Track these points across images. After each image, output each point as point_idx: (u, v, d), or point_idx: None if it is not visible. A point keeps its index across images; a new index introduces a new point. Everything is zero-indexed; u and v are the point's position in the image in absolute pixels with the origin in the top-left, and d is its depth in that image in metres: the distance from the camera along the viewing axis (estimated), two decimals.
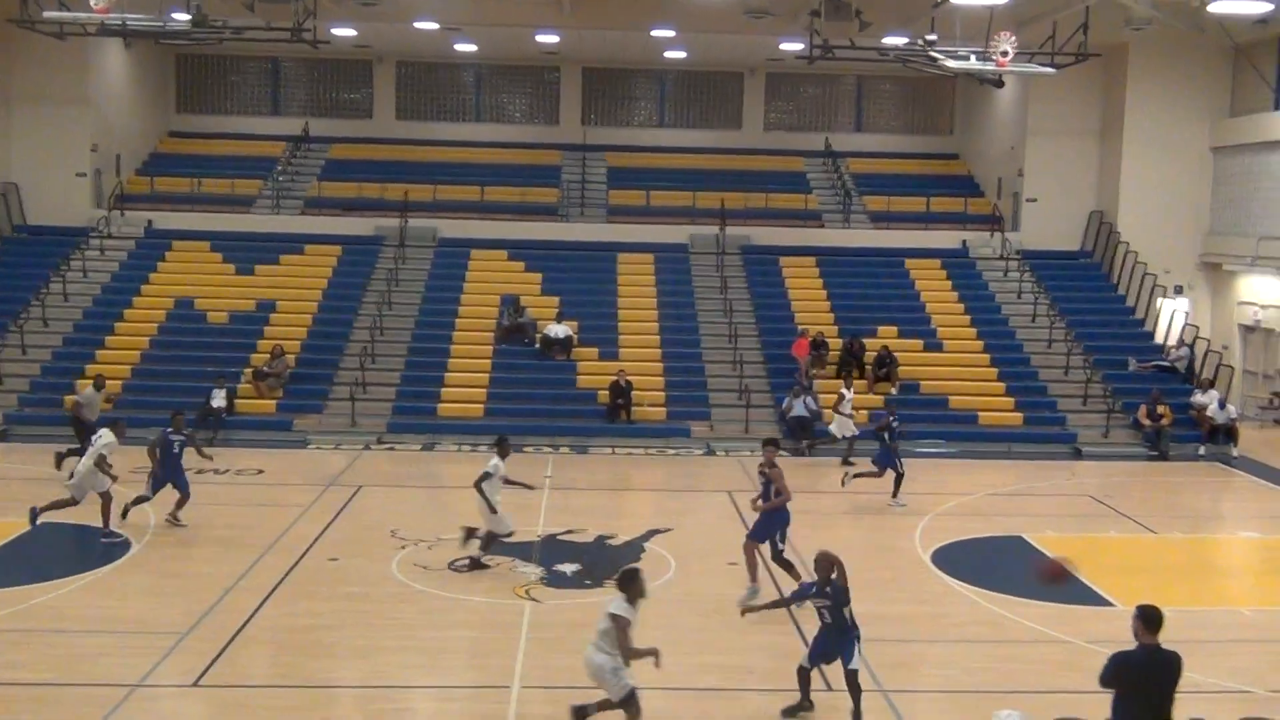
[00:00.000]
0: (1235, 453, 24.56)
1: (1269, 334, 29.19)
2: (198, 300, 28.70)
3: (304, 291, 29.34)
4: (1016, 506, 20.17)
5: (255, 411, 25.20)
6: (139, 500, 16.87)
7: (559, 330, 27.53)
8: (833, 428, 23.49)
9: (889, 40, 27.66)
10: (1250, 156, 29.67)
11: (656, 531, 17.35)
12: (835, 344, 27.40)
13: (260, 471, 21.43)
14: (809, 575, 11.90)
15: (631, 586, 9.78)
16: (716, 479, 21.80)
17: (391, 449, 23.87)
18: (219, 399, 24.30)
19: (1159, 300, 30.00)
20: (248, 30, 26.18)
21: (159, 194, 32.96)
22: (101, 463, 16.11)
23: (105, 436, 16.43)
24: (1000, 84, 28.49)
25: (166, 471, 16.85)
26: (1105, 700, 11.32)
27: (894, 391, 26.16)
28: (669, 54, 35.16)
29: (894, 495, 19.51)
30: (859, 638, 10.61)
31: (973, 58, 23.75)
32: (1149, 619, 8.40)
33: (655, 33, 30.66)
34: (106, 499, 16.23)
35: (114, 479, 16.32)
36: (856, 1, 25.00)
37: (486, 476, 15.17)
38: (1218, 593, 15.93)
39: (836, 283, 30.38)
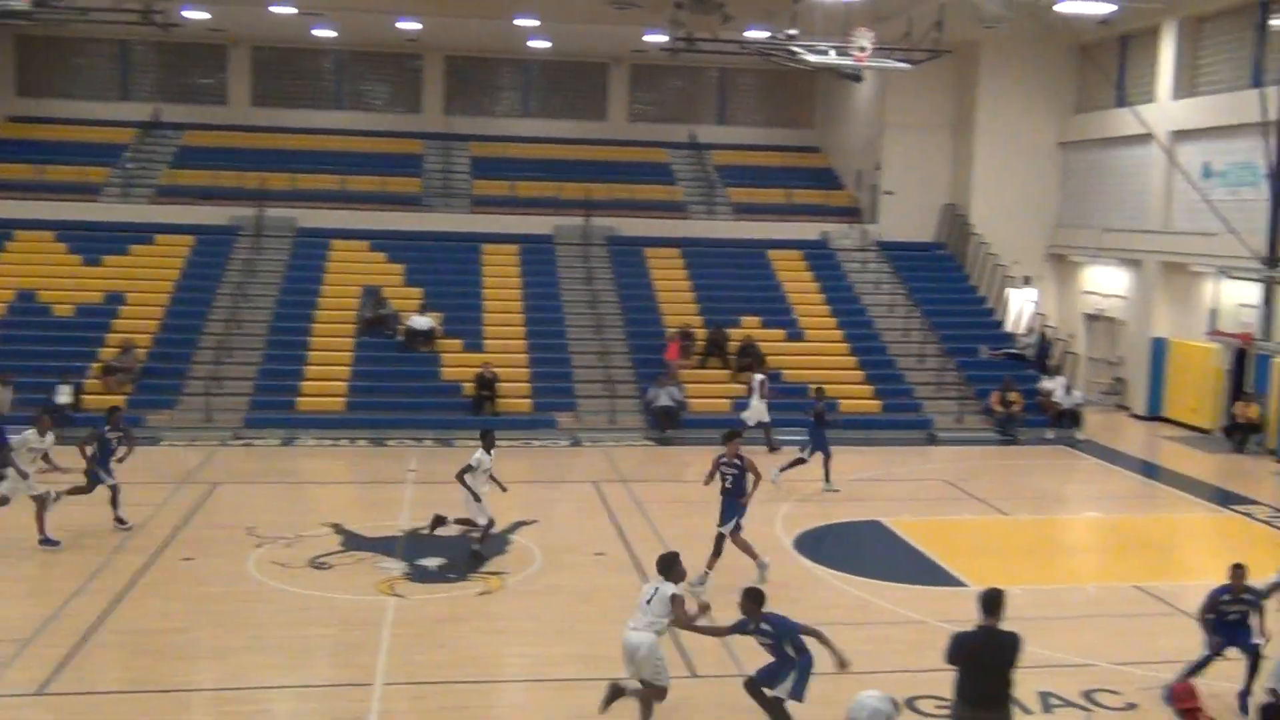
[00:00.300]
0: (1080, 436, 25.57)
1: (1111, 322, 30.44)
2: (41, 292, 27.51)
3: (155, 283, 28.36)
4: (875, 491, 20.66)
5: (104, 408, 24.16)
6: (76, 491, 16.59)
7: (422, 322, 27.21)
8: (745, 415, 23.54)
9: (751, 34, 28.05)
10: (1095, 152, 30.87)
11: (523, 523, 17.26)
12: (700, 334, 27.68)
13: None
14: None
15: (674, 570, 10.28)
16: (582, 470, 21.84)
17: (249, 445, 23.27)
18: (64, 395, 23.39)
19: (1009, 290, 30.97)
20: (94, 11, 25.18)
21: None
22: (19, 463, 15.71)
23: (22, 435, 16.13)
24: (858, 79, 29.12)
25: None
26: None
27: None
28: (533, 43, 34.98)
29: (826, 480, 19.91)
30: (804, 667, 10.18)
31: (832, 52, 24.22)
32: (985, 602, 8.79)
33: (518, 22, 30.47)
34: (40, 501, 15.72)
35: (25, 475, 15.73)
36: None
37: (469, 469, 15.23)
38: (1064, 570, 16.56)
39: (700, 273, 30.65)
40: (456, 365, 26.37)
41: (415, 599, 13.93)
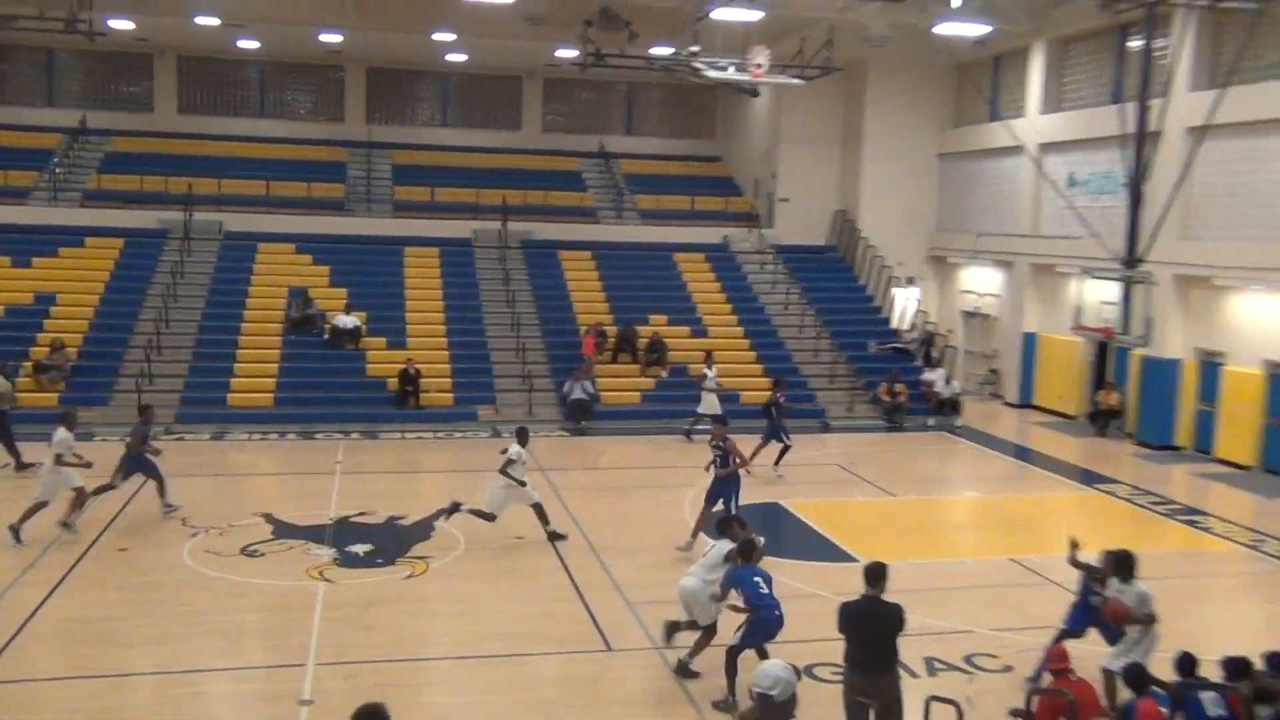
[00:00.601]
0: (959, 423, 26.18)
1: (986, 319, 31.19)
2: None
3: (85, 284, 27.57)
4: (773, 476, 20.93)
5: (36, 405, 23.60)
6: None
7: (347, 321, 26.90)
8: (700, 407, 23.57)
9: (656, 50, 28.19)
10: (970, 163, 31.57)
11: (446, 511, 17.19)
12: (611, 331, 27.78)
13: (42, 464, 20.06)
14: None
15: (753, 555, 10.82)
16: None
17: (181, 439, 22.77)
18: None
19: (894, 289, 31.56)
20: (20, 19, 24.40)
21: None
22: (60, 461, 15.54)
23: (59, 434, 15.72)
24: (756, 93, 29.47)
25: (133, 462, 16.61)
26: None
27: (665, 374, 26.75)
28: (451, 57, 34.75)
29: (776, 463, 20.29)
30: (753, 622, 10.43)
31: (731, 69, 24.45)
32: (868, 574, 9.01)
33: (436, 36, 30.23)
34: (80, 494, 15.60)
35: (88, 465, 15.82)
36: (627, 13, 25.39)
37: (510, 462, 15.47)
38: (946, 546, 16.95)
39: (611, 275, 30.73)
40: (381, 362, 26.13)
41: (344, 583, 13.81)
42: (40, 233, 29.12)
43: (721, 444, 15.82)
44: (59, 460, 15.47)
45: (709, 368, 24.53)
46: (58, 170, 32.08)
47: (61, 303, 26.73)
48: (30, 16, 24.32)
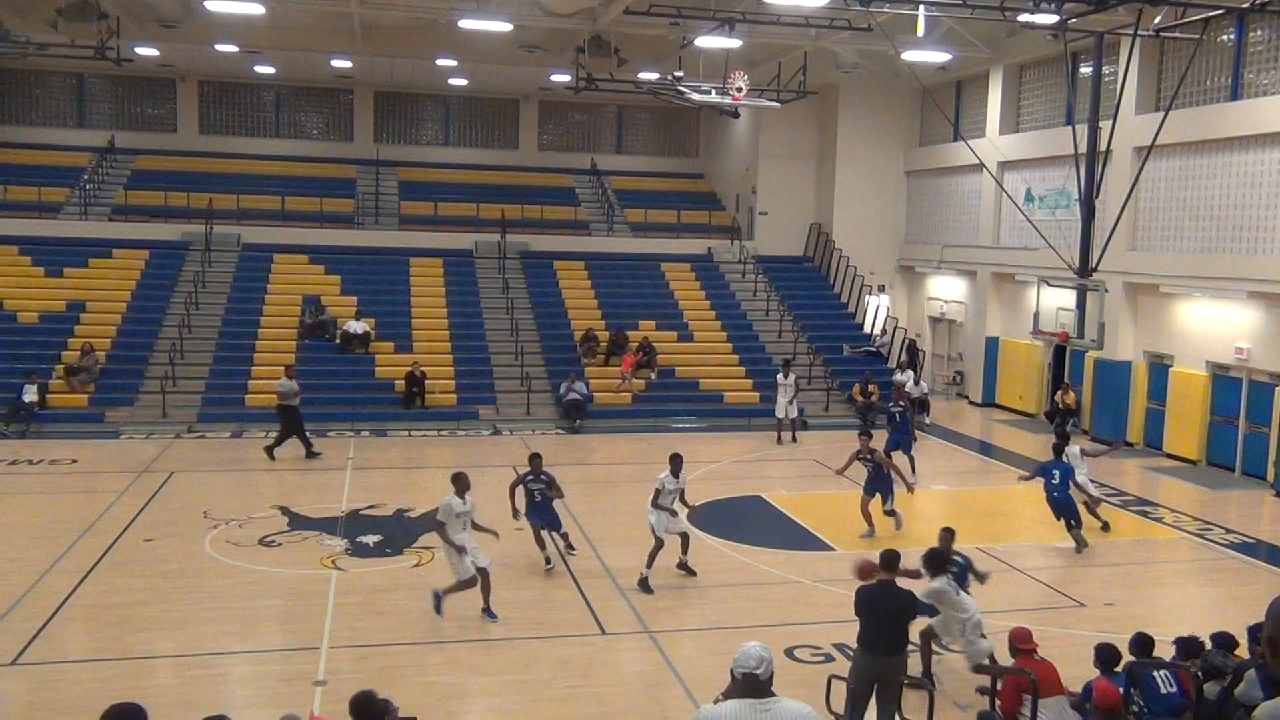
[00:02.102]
0: (927, 421, 26.15)
1: (951, 324, 31.22)
2: (7, 301, 26.42)
3: (113, 293, 27.43)
4: (755, 471, 20.90)
5: (67, 405, 23.47)
6: None
7: (357, 327, 26.79)
8: (779, 411, 23.28)
9: (643, 75, 28.20)
10: (935, 179, 31.61)
11: None
12: (604, 336, 27.71)
13: (74, 461, 19.99)
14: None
15: (939, 565, 10.29)
16: (502, 455, 21.68)
17: (202, 437, 22.68)
18: (30, 394, 22.53)
19: (866, 297, 31.56)
20: (53, 46, 24.26)
21: None
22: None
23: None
24: (736, 115, 29.45)
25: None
26: (826, 629, 12.01)
27: (654, 376, 26.69)
28: (452, 81, 34.66)
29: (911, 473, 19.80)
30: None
31: (713, 92, 24.43)
32: (883, 560, 8.90)
33: (439, 62, 30.14)
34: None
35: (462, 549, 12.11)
36: (615, 41, 25.35)
37: (656, 493, 13.52)
38: (916, 537, 16.86)
39: (602, 283, 30.66)
40: (389, 365, 26.02)
41: (356, 571, 13.73)
42: (71, 245, 28.95)
43: (870, 456, 15.96)
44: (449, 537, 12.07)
45: (785, 376, 23.74)
46: (87, 187, 31.93)
47: (91, 310, 26.57)
48: (62, 44, 24.18)
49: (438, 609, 11.91)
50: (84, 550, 14.21)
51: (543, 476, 14.07)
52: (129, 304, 27.18)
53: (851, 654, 10.87)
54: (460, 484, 12.29)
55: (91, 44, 23.89)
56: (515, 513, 14.06)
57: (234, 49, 28.87)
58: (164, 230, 30.34)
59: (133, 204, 31.59)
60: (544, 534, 14.08)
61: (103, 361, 24.70)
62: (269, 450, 20.56)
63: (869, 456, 15.97)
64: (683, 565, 13.77)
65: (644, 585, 13.13)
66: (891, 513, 16.08)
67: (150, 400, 23.84)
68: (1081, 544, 15.22)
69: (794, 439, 23.33)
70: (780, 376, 23.81)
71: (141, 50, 28.86)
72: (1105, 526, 16.35)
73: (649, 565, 13.19)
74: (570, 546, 14.62)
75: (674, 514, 13.60)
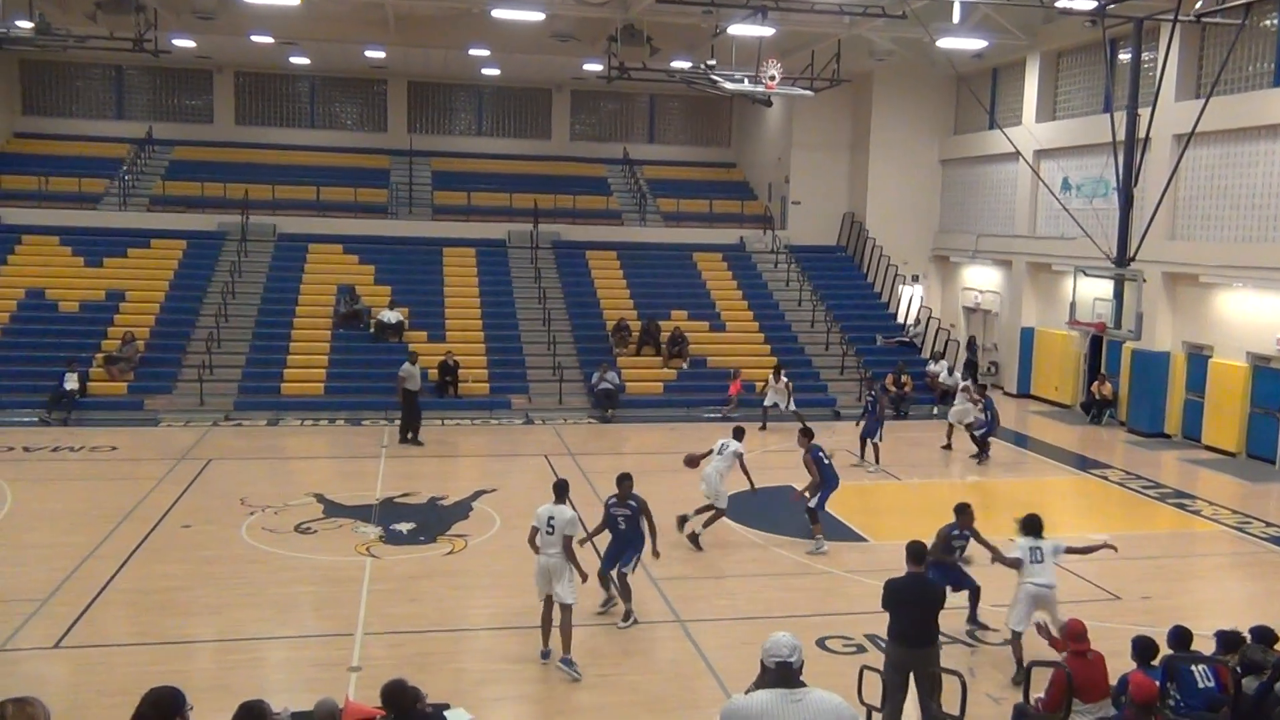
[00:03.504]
0: (934, 411, 25.86)
1: (986, 314, 30.96)
2: (49, 290, 26.84)
3: (152, 282, 27.77)
4: (786, 461, 20.73)
5: (107, 393, 23.79)
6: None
7: (391, 316, 26.95)
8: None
9: (676, 64, 28.07)
10: (971, 168, 31.32)
11: (483, 492, 17.25)
12: (635, 326, 27.71)
13: (114, 448, 20.27)
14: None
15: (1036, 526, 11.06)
16: (535, 444, 21.78)
17: (239, 425, 22.92)
18: (71, 382, 22.86)
19: (900, 287, 31.36)
20: (91, 38, 24.53)
21: (6, 191, 30.64)
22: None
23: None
24: (769, 103, 29.22)
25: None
26: (858, 620, 11.98)
27: (685, 366, 26.66)
28: (485, 71, 34.73)
29: (876, 460, 20.30)
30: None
31: (745, 80, 24.26)
32: (911, 552, 8.83)
33: (472, 52, 30.20)
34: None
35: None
36: (648, 29, 25.27)
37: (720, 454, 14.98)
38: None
39: (635, 273, 30.65)
40: (422, 354, 26.00)
41: (389, 559, 13.83)
42: (111, 235, 29.34)
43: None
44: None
45: (776, 379, 23.81)
46: (126, 178, 32.34)
47: (130, 299, 26.92)
48: (101, 36, 24.44)
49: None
50: (124, 536, 14.42)
51: (630, 502, 11.93)
52: (167, 293, 27.51)
53: (882, 645, 10.87)
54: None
55: (130, 36, 24.12)
56: (587, 538, 12.14)
57: (269, 40, 29.08)
58: (201, 220, 30.68)
59: (170, 194, 31.95)
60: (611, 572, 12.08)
61: (142, 350, 25.01)
62: (409, 439, 21.15)
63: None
64: (694, 536, 14.56)
65: (694, 541, 14.44)
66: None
67: (188, 388, 24.14)
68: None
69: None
70: (772, 379, 23.69)
71: (178, 42, 29.14)
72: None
73: (705, 525, 14.59)
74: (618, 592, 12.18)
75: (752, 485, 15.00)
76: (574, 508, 10.74)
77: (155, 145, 34.48)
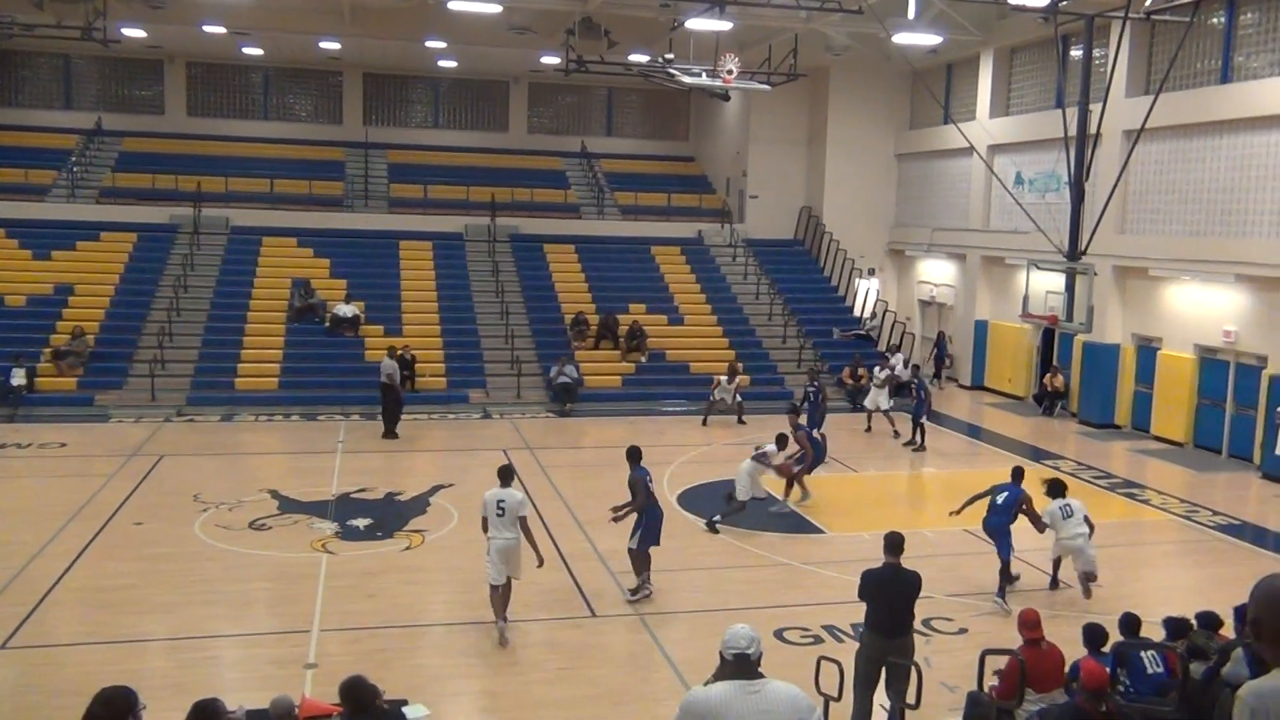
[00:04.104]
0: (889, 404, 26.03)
1: (941, 307, 31.26)
2: None
3: (101, 275, 27.28)
4: (744, 454, 20.83)
5: (56, 389, 23.38)
6: None
7: (347, 310, 26.71)
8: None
9: (634, 57, 28.07)
10: (926, 162, 31.59)
11: (440, 487, 17.15)
12: (593, 319, 27.68)
13: (63, 445, 19.91)
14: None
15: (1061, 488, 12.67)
16: (493, 439, 21.69)
17: (192, 420, 22.62)
18: (18, 378, 22.45)
19: (856, 280, 31.56)
20: (39, 27, 24.04)
21: None
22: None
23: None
24: (726, 98, 29.35)
25: None
26: (815, 611, 12.05)
27: (644, 360, 26.68)
28: (442, 63, 34.46)
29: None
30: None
31: (703, 75, 24.31)
32: (888, 543, 8.89)
33: (429, 43, 29.96)
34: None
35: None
36: (606, 23, 25.23)
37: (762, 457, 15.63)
38: (905, 519, 16.94)
39: (593, 267, 30.61)
40: (378, 348, 25.78)
41: (346, 555, 13.72)
42: (59, 228, 28.78)
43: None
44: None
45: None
46: (75, 169, 31.73)
47: (79, 293, 26.45)
48: (49, 25, 23.96)
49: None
50: (74, 534, 14.17)
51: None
52: (117, 287, 27.05)
53: (840, 635, 10.96)
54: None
55: (78, 25, 23.69)
56: (619, 517, 12.50)
57: (222, 30, 28.64)
58: (152, 213, 30.16)
59: (121, 186, 31.39)
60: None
61: (92, 345, 24.59)
62: (395, 435, 21.17)
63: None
64: (712, 524, 15.09)
65: (712, 527, 15.01)
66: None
67: (139, 384, 23.76)
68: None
69: (740, 421, 23.41)
70: (725, 379, 23.78)
71: (129, 31, 28.60)
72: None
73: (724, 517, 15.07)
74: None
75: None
76: (524, 489, 11.11)
77: (105, 136, 33.86)
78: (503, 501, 10.89)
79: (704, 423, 23.26)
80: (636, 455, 12.49)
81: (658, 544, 12.30)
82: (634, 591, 12.20)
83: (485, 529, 10.99)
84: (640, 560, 12.25)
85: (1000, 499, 12.58)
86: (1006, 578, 12.48)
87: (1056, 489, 12.65)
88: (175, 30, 29.78)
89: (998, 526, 12.50)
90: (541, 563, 11.12)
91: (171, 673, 10.04)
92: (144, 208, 30.34)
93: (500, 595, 10.86)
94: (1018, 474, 12.91)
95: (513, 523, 10.80)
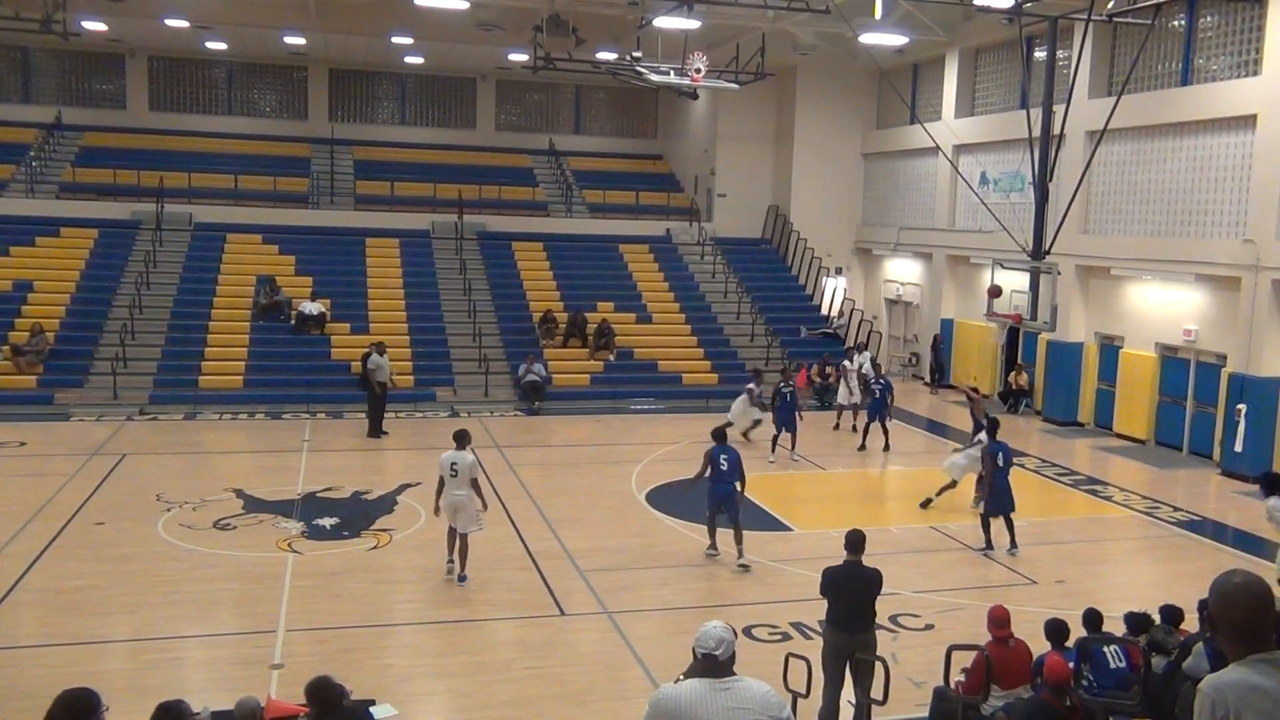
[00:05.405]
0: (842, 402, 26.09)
1: (907, 306, 31.49)
2: None
3: (61, 272, 26.90)
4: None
5: (14, 387, 23.04)
6: None
7: (312, 308, 26.50)
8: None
9: (601, 55, 28.05)
10: (892, 162, 31.80)
11: (407, 486, 17.06)
12: (562, 317, 27.64)
13: (22, 444, 19.62)
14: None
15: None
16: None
17: (154, 419, 22.36)
18: None
19: (824, 279, 31.74)
20: None
21: None
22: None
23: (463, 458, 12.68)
24: (694, 96, 29.36)
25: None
26: (784, 608, 12.11)
27: (612, 358, 26.67)
28: (409, 59, 34.29)
29: (792, 449, 20.05)
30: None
31: (671, 73, 24.33)
32: (849, 541, 8.95)
33: (395, 39, 29.79)
34: None
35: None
36: (574, 20, 25.18)
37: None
38: (872, 515, 17.07)
39: (561, 265, 30.55)
40: (344, 346, 25.76)
41: (312, 555, 13.62)
42: (18, 223, 28.34)
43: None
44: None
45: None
46: (34, 164, 31.25)
47: (39, 290, 26.06)
48: (6, 17, 23.60)
49: None
50: (33, 534, 13.98)
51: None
52: (78, 284, 26.68)
53: (808, 632, 11.02)
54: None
55: (36, 17, 23.33)
56: (687, 487, 14.24)
57: (184, 24, 28.33)
58: (113, 209, 29.76)
59: (81, 182, 30.97)
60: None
61: (51, 343, 24.25)
62: (374, 433, 21.14)
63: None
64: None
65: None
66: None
67: (101, 382, 23.46)
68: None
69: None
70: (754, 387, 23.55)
71: (89, 24, 28.23)
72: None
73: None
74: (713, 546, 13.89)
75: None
76: (474, 453, 12.78)
77: (65, 130, 33.38)
78: (455, 464, 12.42)
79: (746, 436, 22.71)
80: (719, 435, 14.07)
81: (722, 512, 13.60)
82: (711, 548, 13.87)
83: (439, 487, 12.49)
84: (709, 524, 13.84)
85: (999, 460, 14.20)
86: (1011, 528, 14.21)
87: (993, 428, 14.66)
88: (136, 24, 29.42)
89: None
90: (485, 507, 12.74)
91: (135, 674, 9.93)
92: (105, 203, 29.93)
93: (451, 539, 12.60)
94: (994, 426, 14.98)
95: (465, 481, 12.37)
